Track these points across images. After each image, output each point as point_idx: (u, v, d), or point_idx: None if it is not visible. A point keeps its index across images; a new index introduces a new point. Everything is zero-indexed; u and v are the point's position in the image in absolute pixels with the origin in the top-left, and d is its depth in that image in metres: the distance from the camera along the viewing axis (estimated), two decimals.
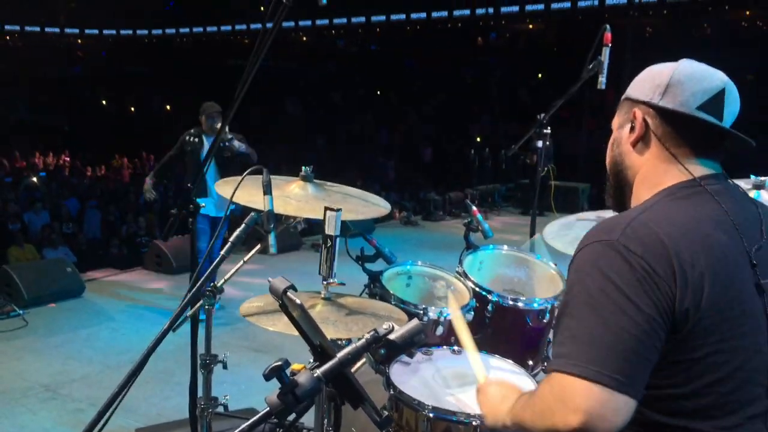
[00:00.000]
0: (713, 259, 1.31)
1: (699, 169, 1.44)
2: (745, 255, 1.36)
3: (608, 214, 2.78)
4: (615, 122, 1.58)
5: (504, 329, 2.76)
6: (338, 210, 2.18)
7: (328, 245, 2.19)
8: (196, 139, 5.87)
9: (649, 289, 1.26)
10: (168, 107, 32.64)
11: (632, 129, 1.49)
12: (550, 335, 2.85)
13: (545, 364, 2.46)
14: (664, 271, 1.27)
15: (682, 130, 1.45)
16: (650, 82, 1.49)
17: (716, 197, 1.40)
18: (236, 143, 5.57)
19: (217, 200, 5.63)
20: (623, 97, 1.56)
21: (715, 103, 1.44)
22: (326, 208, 2.17)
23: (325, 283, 2.24)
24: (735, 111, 1.47)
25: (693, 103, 1.43)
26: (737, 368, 1.31)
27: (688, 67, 1.48)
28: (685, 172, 1.44)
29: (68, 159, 20.59)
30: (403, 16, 32.37)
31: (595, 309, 1.27)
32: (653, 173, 1.47)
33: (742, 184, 2.53)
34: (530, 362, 2.74)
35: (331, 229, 2.17)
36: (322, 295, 2.27)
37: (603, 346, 1.24)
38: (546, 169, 4.03)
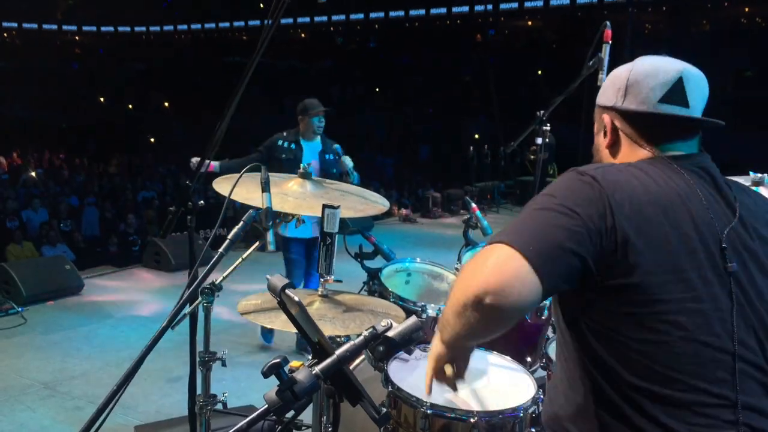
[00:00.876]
0: (668, 222, 1.35)
1: (669, 152, 1.50)
2: (711, 234, 1.38)
3: None
4: (595, 129, 1.64)
5: None
6: (337, 207, 2.17)
7: (327, 242, 2.19)
8: (293, 145, 4.85)
9: (591, 207, 1.33)
10: (166, 104, 32.60)
11: (605, 134, 1.57)
12: (549, 332, 2.85)
13: (543, 360, 2.46)
14: (617, 206, 1.33)
15: (648, 126, 1.51)
16: (612, 87, 1.56)
17: (683, 171, 1.45)
18: (348, 161, 4.62)
19: (316, 219, 4.72)
20: (596, 103, 1.63)
21: (676, 92, 1.49)
22: (324, 206, 2.16)
23: (323, 280, 2.24)
24: (704, 94, 1.53)
25: (654, 97, 1.49)
26: (689, 339, 1.31)
27: (643, 65, 1.53)
28: (654, 151, 1.50)
29: (65, 156, 20.56)
30: (401, 13, 32.38)
31: (536, 208, 1.39)
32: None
33: (741, 180, 2.54)
34: (528, 359, 2.74)
35: (329, 226, 2.16)
36: (320, 292, 2.27)
37: (532, 230, 1.34)
38: (548, 167, 4.05)
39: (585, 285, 1.34)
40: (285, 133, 4.92)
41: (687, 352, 1.31)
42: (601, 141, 1.59)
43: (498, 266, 1.29)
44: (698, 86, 1.51)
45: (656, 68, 1.51)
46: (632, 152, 1.53)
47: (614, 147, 1.56)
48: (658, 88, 1.49)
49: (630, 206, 1.34)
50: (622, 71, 1.55)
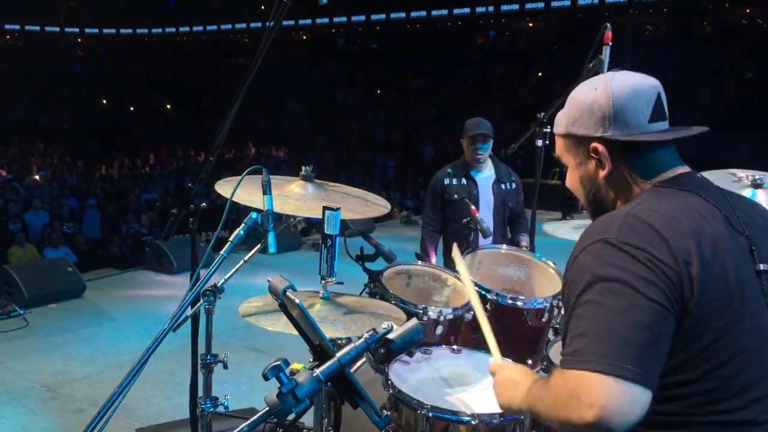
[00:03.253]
0: (704, 246, 1.33)
1: (672, 171, 1.48)
2: (742, 241, 1.39)
3: None
4: (568, 160, 1.58)
5: (503, 328, 2.75)
6: (337, 209, 2.18)
7: (328, 244, 2.19)
8: (463, 180, 4.14)
9: (656, 278, 1.27)
10: (168, 106, 32.64)
11: (600, 164, 1.50)
12: (550, 334, 2.86)
13: (544, 363, 2.46)
14: (667, 258, 1.29)
15: (643, 149, 1.48)
16: (590, 116, 1.49)
17: (697, 191, 1.44)
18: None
19: None
20: (562, 133, 1.56)
21: (658, 108, 1.48)
22: (325, 208, 2.17)
23: (323, 282, 2.25)
24: (666, 104, 1.53)
25: (643, 119, 1.47)
26: (739, 351, 1.32)
27: (622, 88, 1.48)
28: (661, 176, 1.48)
29: (68, 158, 20.58)
30: (403, 15, 32.38)
31: (604, 305, 1.27)
32: (632, 189, 1.50)
33: (743, 181, 2.54)
34: (529, 361, 2.74)
35: (330, 228, 2.17)
36: (321, 295, 2.27)
37: (615, 338, 1.23)
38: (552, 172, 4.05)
39: None
40: (449, 170, 4.17)
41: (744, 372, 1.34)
42: (593, 171, 1.52)
43: (605, 402, 1.20)
44: (664, 97, 1.51)
45: (636, 89, 1.48)
46: (636, 180, 1.49)
47: (611, 176, 1.50)
48: (645, 109, 1.47)
49: (687, 257, 1.31)
50: (598, 98, 1.48)
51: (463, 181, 4.13)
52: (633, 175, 1.49)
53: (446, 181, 4.13)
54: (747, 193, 2.44)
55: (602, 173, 1.50)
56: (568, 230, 2.81)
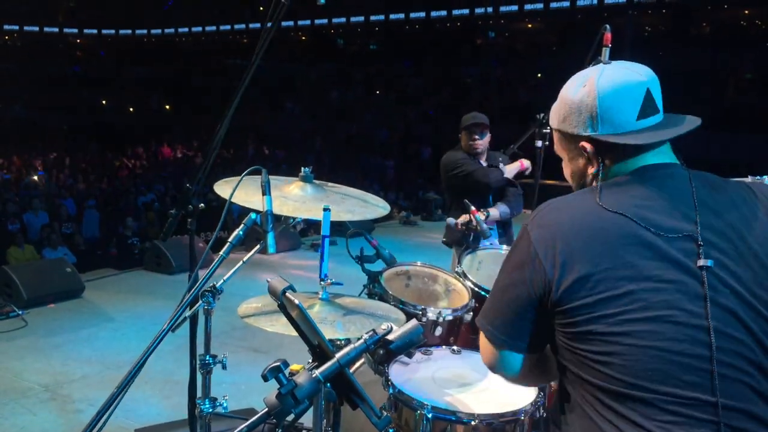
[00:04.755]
0: (602, 242, 1.37)
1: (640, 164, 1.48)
2: (677, 236, 1.36)
3: None
4: (562, 153, 1.60)
5: None
6: (326, 209, 2.18)
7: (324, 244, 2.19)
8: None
9: (530, 269, 1.43)
10: (167, 106, 32.65)
11: (589, 161, 1.52)
12: None
13: None
14: (545, 253, 1.41)
15: (630, 147, 1.46)
16: (578, 116, 1.49)
17: (645, 184, 1.43)
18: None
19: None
20: (554, 128, 1.58)
21: (648, 104, 1.46)
22: (325, 208, 2.17)
23: (322, 283, 2.24)
24: (660, 93, 1.51)
25: (630, 117, 1.46)
26: (639, 347, 1.31)
27: (607, 86, 1.46)
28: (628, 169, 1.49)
29: (67, 158, 20.58)
30: (402, 16, 32.40)
31: (498, 280, 1.53)
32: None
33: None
34: None
35: (325, 228, 2.17)
36: (320, 296, 2.27)
37: (494, 310, 1.52)
38: None
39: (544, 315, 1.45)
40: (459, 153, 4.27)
41: (641, 360, 1.31)
42: (583, 167, 1.54)
43: (488, 361, 1.57)
44: (659, 87, 1.49)
45: (623, 87, 1.46)
46: (616, 174, 1.49)
47: (598, 173, 1.50)
48: (632, 108, 1.45)
49: (561, 242, 1.40)
50: (584, 97, 1.48)
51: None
52: (618, 165, 1.48)
53: (461, 156, 4.32)
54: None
55: (590, 170, 1.52)
56: None
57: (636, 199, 1.41)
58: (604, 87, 1.46)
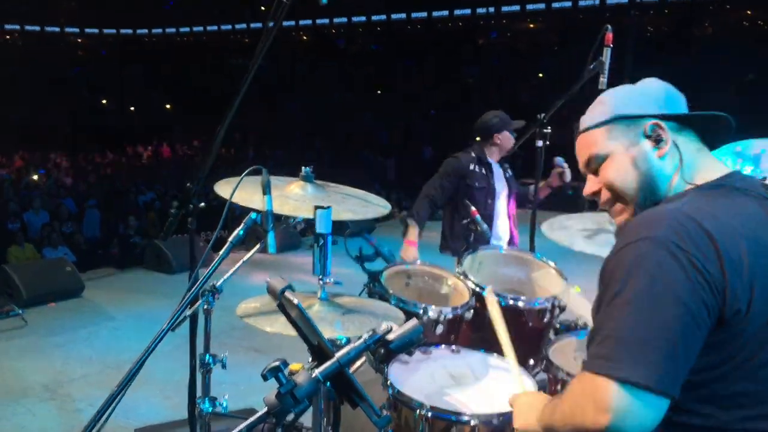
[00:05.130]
0: (760, 256, 1.28)
1: (721, 167, 1.45)
2: None
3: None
4: (615, 148, 1.49)
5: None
6: (327, 207, 2.18)
7: (320, 243, 2.19)
8: (483, 169, 4.17)
9: (697, 285, 1.22)
10: (168, 106, 32.66)
11: (659, 142, 1.45)
12: (551, 335, 2.85)
13: (545, 363, 2.46)
14: (714, 264, 1.23)
15: (692, 132, 1.48)
16: (644, 97, 1.49)
17: (749, 193, 1.39)
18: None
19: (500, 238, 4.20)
20: (607, 118, 1.50)
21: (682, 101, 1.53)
22: (316, 207, 2.16)
23: (321, 282, 2.24)
24: None
25: (683, 110, 1.50)
26: None
27: (660, 83, 1.53)
28: (713, 169, 1.44)
29: (68, 158, 20.59)
30: (403, 15, 32.39)
31: (638, 309, 1.22)
32: (682, 176, 1.45)
33: None
34: (531, 361, 2.74)
35: (321, 227, 2.16)
36: (319, 295, 2.27)
37: (643, 344, 1.21)
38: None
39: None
40: (473, 155, 4.17)
41: None
42: (647, 151, 1.45)
43: (620, 408, 1.20)
44: None
45: (672, 88, 1.53)
46: (689, 163, 1.44)
47: (666, 156, 1.45)
48: (682, 106, 1.51)
49: (740, 268, 1.25)
50: (647, 86, 1.52)
51: (483, 170, 4.16)
52: (684, 162, 1.44)
53: (471, 167, 4.13)
54: None
55: (660, 152, 1.45)
56: (563, 231, 2.81)
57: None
58: (658, 82, 1.53)
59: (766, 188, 1.43)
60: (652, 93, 1.50)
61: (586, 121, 1.55)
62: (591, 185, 1.56)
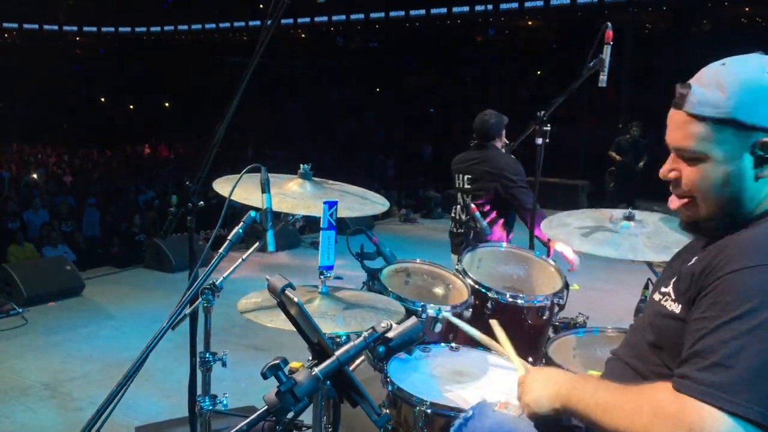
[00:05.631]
0: None
1: None
2: None
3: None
4: (713, 152, 1.32)
5: (503, 326, 2.76)
6: (332, 202, 2.18)
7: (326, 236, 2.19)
8: None
9: None
10: (167, 104, 32.63)
11: (763, 163, 1.29)
12: (550, 332, 2.85)
13: (544, 361, 2.46)
14: None
15: None
16: (765, 102, 1.27)
17: None
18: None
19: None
20: (721, 117, 1.30)
21: None
22: (325, 202, 2.17)
23: (322, 277, 2.24)
24: None
25: None
26: None
27: None
28: None
29: (67, 156, 20.58)
30: (402, 13, 32.37)
31: (764, 341, 1.13)
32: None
33: None
34: (530, 359, 2.74)
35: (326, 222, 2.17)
36: (320, 290, 2.27)
37: (765, 380, 1.12)
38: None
39: None
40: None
41: None
42: (747, 170, 1.30)
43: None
44: None
45: None
46: None
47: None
48: None
49: None
50: (747, 73, 1.31)
51: None
52: None
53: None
54: None
55: (761, 174, 1.29)
56: (561, 228, 2.81)
57: None
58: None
59: None
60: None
61: (695, 97, 1.33)
62: (671, 169, 1.41)
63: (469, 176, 4.29)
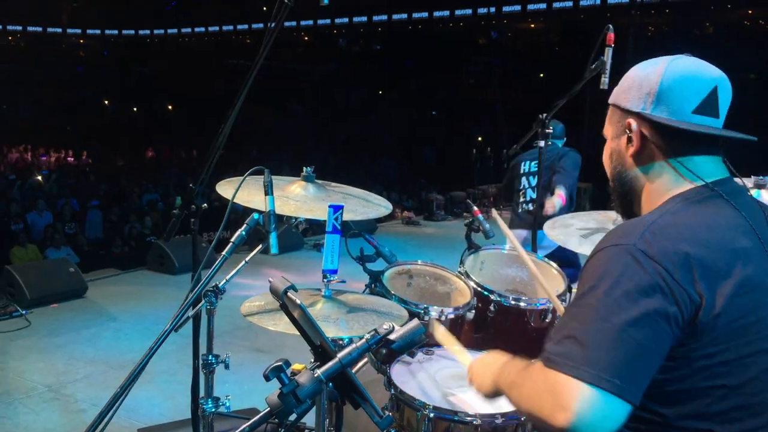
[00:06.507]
0: (737, 265, 1.28)
1: (708, 174, 1.40)
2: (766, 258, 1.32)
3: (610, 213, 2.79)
4: (608, 131, 1.53)
5: (506, 329, 2.76)
6: (338, 205, 2.19)
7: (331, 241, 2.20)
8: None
9: (663, 295, 1.23)
10: (170, 107, 32.69)
11: (629, 141, 1.45)
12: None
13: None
14: (682, 276, 1.23)
15: (679, 138, 1.40)
16: (638, 90, 1.42)
17: (731, 201, 1.37)
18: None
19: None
20: (611, 102, 1.51)
21: (710, 102, 1.39)
22: (330, 205, 2.18)
23: (325, 281, 2.25)
24: (728, 103, 1.43)
25: (687, 108, 1.38)
26: (764, 370, 1.29)
27: (677, 70, 1.40)
28: (695, 178, 1.40)
29: (71, 159, 20.62)
30: (405, 16, 32.42)
31: (600, 313, 1.24)
32: (661, 182, 1.43)
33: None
34: (532, 362, 2.74)
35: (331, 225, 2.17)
36: (323, 293, 2.27)
37: (605, 348, 1.21)
38: None
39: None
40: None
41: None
42: (623, 147, 1.47)
43: (579, 410, 1.20)
44: (728, 94, 1.42)
45: (692, 75, 1.39)
46: (666, 170, 1.42)
47: (640, 156, 1.44)
48: (693, 97, 1.38)
49: (715, 278, 1.26)
50: (652, 73, 1.41)
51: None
52: (664, 168, 1.42)
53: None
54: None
55: (630, 151, 1.45)
56: (562, 230, 2.81)
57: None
58: (673, 69, 1.40)
59: (739, 199, 1.39)
60: (645, 86, 1.41)
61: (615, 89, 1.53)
62: None
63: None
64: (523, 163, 5.24)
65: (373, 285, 2.72)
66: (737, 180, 1.45)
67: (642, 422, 1.31)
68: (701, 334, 1.25)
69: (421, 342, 1.45)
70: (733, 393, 1.28)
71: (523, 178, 5.22)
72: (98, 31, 39.47)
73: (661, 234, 1.28)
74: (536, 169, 4.91)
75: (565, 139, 5.35)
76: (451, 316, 2.63)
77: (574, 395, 1.20)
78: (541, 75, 25.97)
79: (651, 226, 1.31)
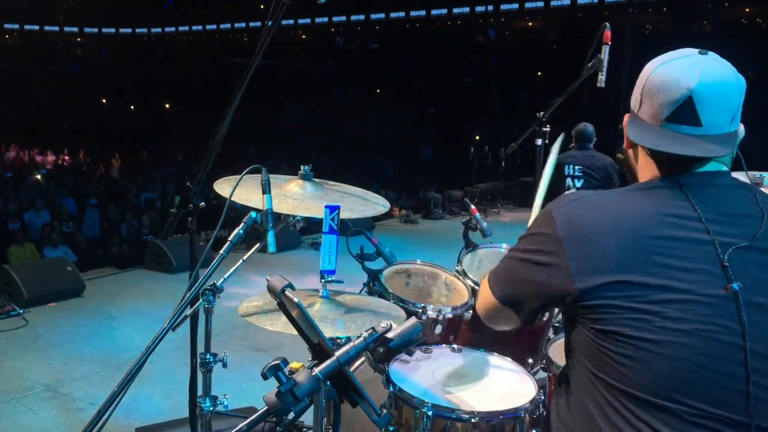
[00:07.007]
0: (637, 253, 1.34)
1: (676, 169, 1.43)
2: (711, 255, 1.33)
3: None
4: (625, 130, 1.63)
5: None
6: (335, 206, 2.18)
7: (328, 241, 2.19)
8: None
9: (546, 257, 1.44)
10: (167, 105, 32.65)
11: (622, 138, 1.57)
12: (550, 333, 2.86)
13: (544, 362, 2.47)
14: (573, 249, 1.39)
15: (656, 137, 1.43)
16: (637, 88, 1.49)
17: (688, 194, 1.38)
18: None
19: None
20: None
21: (685, 111, 1.38)
22: (326, 206, 2.17)
23: (323, 281, 2.24)
24: (727, 105, 1.42)
25: (661, 115, 1.41)
26: (671, 358, 1.31)
27: (657, 75, 1.42)
28: (661, 170, 1.46)
29: (68, 158, 20.59)
30: (402, 14, 32.41)
31: (511, 254, 1.59)
32: (644, 173, 1.51)
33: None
34: (530, 360, 2.74)
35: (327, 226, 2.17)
36: (320, 293, 2.27)
37: (501, 273, 1.62)
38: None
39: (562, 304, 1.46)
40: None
41: (672, 370, 1.31)
42: (625, 140, 1.56)
43: (483, 303, 1.68)
44: (716, 100, 1.39)
45: (667, 82, 1.40)
46: (646, 162, 1.48)
47: (634, 150, 1.53)
48: (666, 106, 1.40)
49: (603, 257, 1.36)
50: (644, 72, 1.46)
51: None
52: (647, 160, 1.48)
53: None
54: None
55: (624, 143, 1.57)
56: None
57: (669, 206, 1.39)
58: (656, 72, 1.43)
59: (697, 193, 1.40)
60: (638, 85, 1.47)
61: None
62: None
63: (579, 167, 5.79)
64: (567, 167, 5.78)
65: (371, 284, 2.72)
66: (735, 174, 1.47)
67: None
68: (587, 298, 1.38)
69: (419, 340, 1.46)
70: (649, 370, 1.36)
71: (568, 180, 5.77)
72: (95, 30, 39.41)
73: (577, 209, 1.45)
74: (579, 173, 5.65)
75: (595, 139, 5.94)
76: (449, 315, 2.63)
77: (488, 303, 1.65)
78: (539, 73, 25.97)
79: (578, 200, 1.47)
